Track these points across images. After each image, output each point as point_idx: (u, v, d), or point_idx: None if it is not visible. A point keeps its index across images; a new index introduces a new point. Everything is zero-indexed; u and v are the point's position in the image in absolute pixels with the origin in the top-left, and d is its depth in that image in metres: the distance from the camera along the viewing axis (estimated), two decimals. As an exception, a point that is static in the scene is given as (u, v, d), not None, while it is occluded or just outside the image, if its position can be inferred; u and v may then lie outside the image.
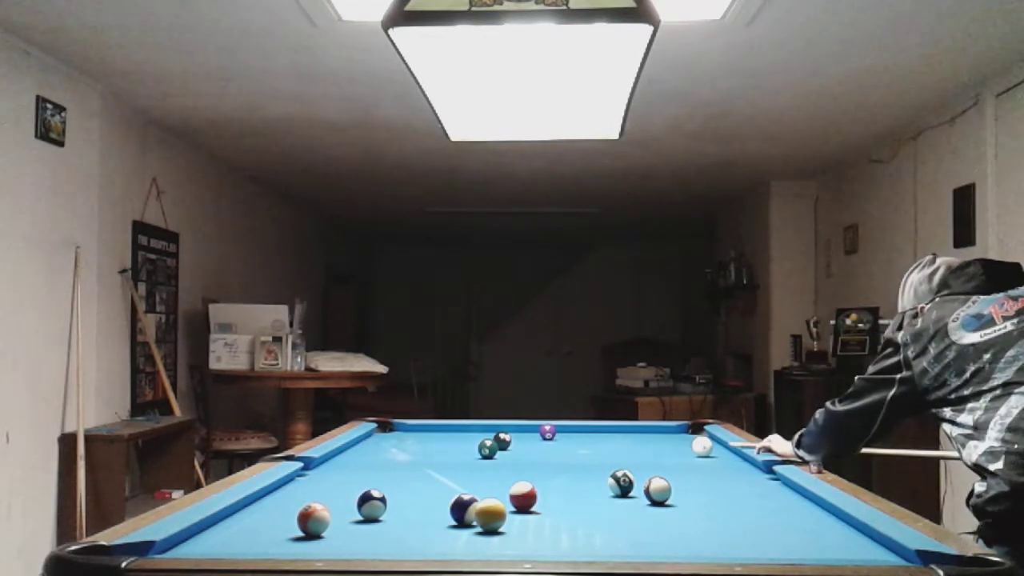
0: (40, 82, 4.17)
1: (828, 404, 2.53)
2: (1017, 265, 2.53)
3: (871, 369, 2.43)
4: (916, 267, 2.63)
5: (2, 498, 3.98)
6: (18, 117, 4.06)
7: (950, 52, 4.07)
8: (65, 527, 4.33)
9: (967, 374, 2.24)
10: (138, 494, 5.03)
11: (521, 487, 2.05)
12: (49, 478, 4.35)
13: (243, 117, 5.30)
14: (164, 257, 5.68)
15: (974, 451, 2.19)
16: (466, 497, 1.89)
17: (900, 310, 2.56)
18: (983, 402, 2.21)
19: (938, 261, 2.56)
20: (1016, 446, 2.10)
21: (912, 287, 2.58)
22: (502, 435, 3.16)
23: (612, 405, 7.39)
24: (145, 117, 5.29)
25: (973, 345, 2.25)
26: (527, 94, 3.18)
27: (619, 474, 2.28)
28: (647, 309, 11.51)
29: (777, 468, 2.57)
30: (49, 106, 4.24)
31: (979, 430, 2.19)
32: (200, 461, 5.58)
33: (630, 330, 10.75)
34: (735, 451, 3.09)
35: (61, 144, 4.36)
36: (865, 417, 2.41)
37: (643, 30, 2.35)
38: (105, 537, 1.64)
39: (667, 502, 2.17)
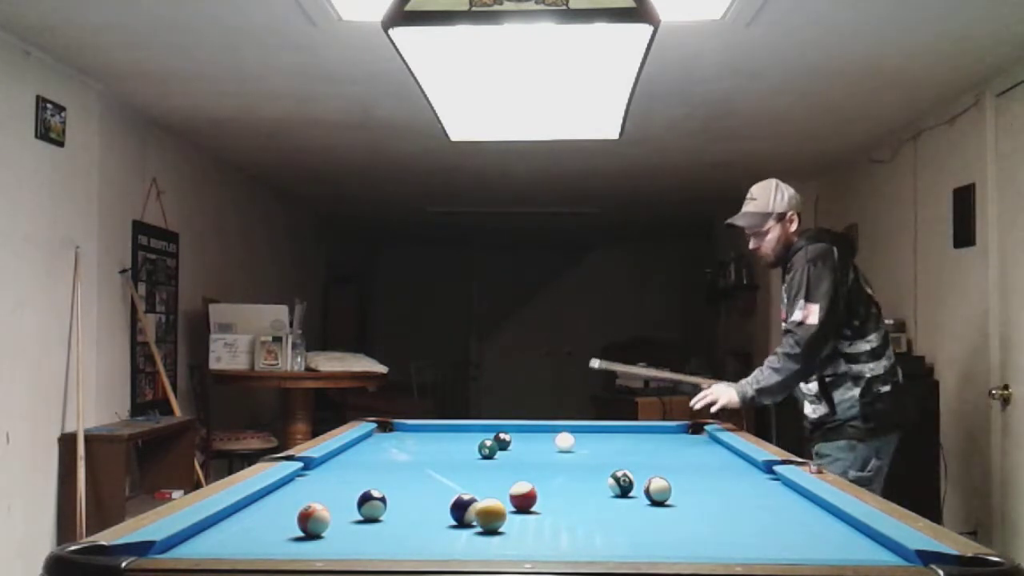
0: (40, 82, 4.17)
1: (792, 348, 3.34)
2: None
3: (824, 300, 3.33)
4: (778, 181, 3.71)
5: (2, 498, 3.98)
6: (18, 117, 4.06)
7: (950, 52, 4.07)
8: (65, 527, 4.33)
9: (867, 314, 3.40)
10: (138, 494, 5.03)
11: (521, 487, 2.05)
12: (49, 478, 4.35)
13: (243, 117, 5.30)
14: (164, 257, 5.68)
15: (866, 368, 3.38)
16: (466, 497, 1.89)
17: (772, 209, 3.58)
18: (874, 339, 3.40)
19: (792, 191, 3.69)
20: (893, 381, 3.43)
21: (789, 195, 3.63)
22: (502, 435, 3.15)
23: (612, 405, 7.39)
24: (145, 117, 5.29)
25: (870, 296, 3.46)
26: (527, 94, 3.18)
27: (619, 474, 2.28)
28: (647, 309, 11.50)
29: (777, 468, 2.58)
30: (49, 106, 4.24)
31: (874, 355, 3.39)
32: (200, 461, 5.58)
33: (630, 330, 10.74)
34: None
35: (61, 144, 4.36)
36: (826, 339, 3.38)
37: (643, 30, 2.35)
38: (105, 537, 1.64)
39: (667, 502, 2.17)
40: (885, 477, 3.43)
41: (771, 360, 3.44)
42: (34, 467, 4.22)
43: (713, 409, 3.49)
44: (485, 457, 2.98)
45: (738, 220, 3.67)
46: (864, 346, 3.41)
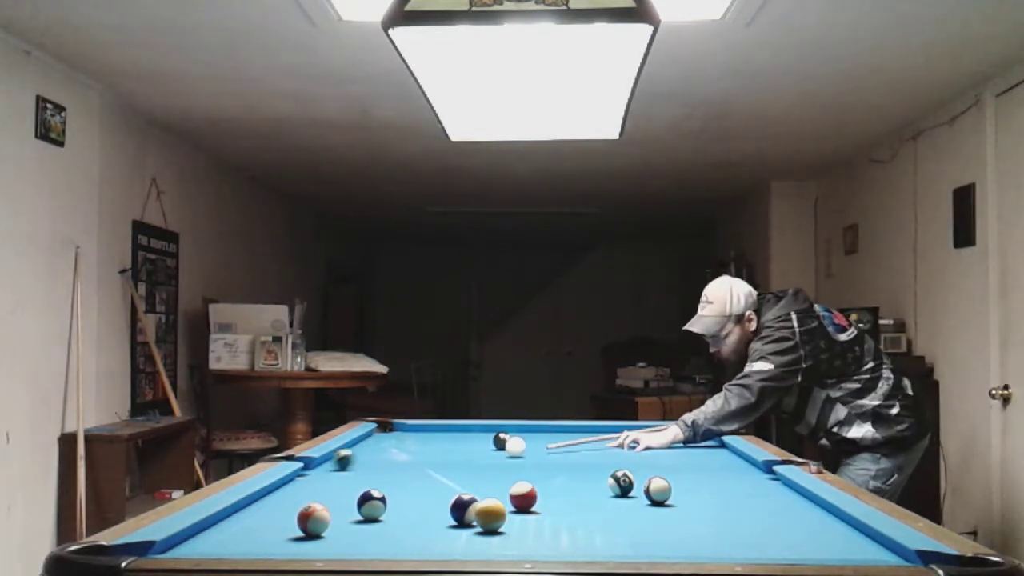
0: (40, 82, 4.16)
1: (739, 392, 3.27)
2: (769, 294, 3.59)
3: (779, 361, 3.29)
4: (732, 279, 3.60)
5: (2, 498, 3.98)
6: (18, 117, 4.06)
7: (950, 52, 4.07)
8: (65, 527, 4.33)
9: (848, 359, 3.39)
10: (138, 494, 5.03)
11: (521, 487, 2.05)
12: (49, 478, 4.35)
13: (243, 117, 5.30)
14: (164, 257, 5.68)
15: (869, 402, 3.36)
16: (466, 497, 1.89)
17: (730, 312, 3.45)
18: (864, 374, 3.38)
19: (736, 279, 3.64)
20: (901, 396, 3.40)
21: (744, 295, 3.48)
22: (502, 435, 3.17)
23: (612, 405, 7.39)
24: (145, 117, 5.29)
25: (844, 342, 3.40)
26: (527, 94, 3.18)
27: (619, 474, 2.28)
28: (647, 309, 11.50)
29: (777, 468, 2.58)
30: (49, 106, 4.24)
31: (867, 390, 3.36)
32: (200, 461, 5.58)
33: (630, 330, 10.74)
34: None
35: (61, 144, 4.36)
36: (775, 396, 3.33)
37: (643, 30, 2.35)
38: (105, 537, 1.64)
39: (667, 502, 2.17)
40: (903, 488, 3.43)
41: (719, 394, 3.34)
42: (34, 467, 4.22)
43: (637, 449, 3.19)
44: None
45: (695, 327, 3.54)
46: (853, 385, 3.39)
